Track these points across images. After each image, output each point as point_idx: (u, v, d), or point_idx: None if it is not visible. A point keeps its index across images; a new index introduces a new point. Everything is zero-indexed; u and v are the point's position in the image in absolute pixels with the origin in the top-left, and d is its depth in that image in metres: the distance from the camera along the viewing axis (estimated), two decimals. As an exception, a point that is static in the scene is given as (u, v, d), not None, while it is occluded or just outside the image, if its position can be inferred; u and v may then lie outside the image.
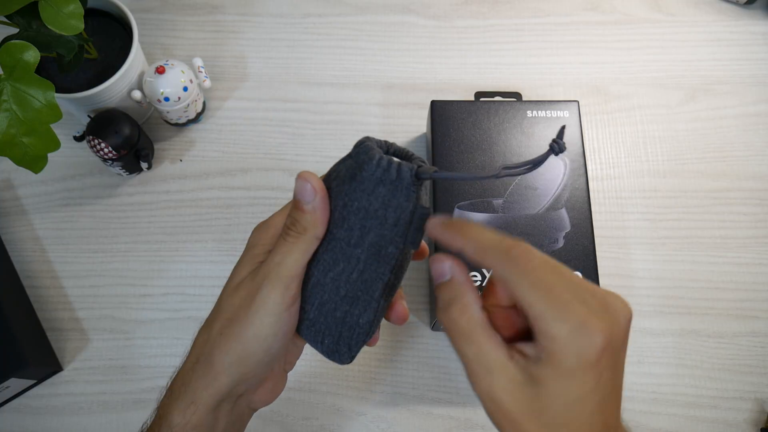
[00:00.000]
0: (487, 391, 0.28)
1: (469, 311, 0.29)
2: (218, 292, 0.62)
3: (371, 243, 0.32)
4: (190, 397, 0.33)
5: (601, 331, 0.27)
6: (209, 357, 0.33)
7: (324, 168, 0.66)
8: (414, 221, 0.32)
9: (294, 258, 0.32)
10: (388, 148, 0.33)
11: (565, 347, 0.27)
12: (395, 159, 0.31)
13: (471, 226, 0.30)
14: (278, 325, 0.32)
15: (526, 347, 0.29)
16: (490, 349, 0.29)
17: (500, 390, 0.28)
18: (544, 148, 0.58)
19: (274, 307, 0.32)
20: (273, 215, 0.36)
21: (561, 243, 0.54)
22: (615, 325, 0.29)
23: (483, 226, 0.30)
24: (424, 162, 0.32)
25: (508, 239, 0.29)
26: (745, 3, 0.72)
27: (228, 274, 0.36)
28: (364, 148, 0.31)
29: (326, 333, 0.34)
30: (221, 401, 0.33)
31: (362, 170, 0.31)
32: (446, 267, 0.31)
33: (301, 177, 0.31)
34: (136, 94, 0.59)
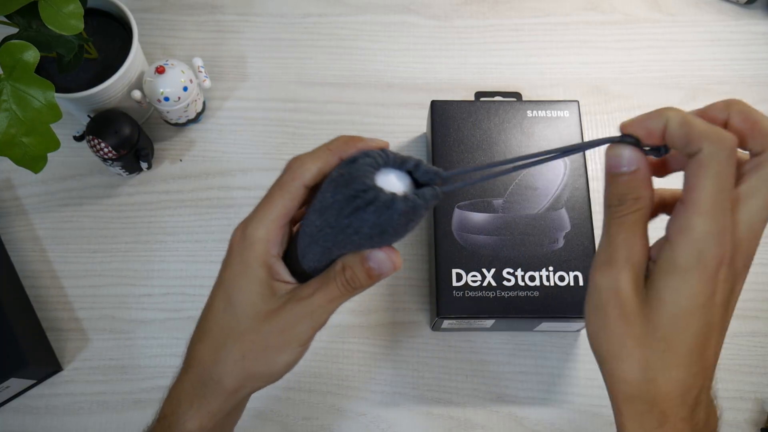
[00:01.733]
0: (615, 278, 0.29)
1: (642, 205, 0.29)
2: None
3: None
4: (206, 409, 0.34)
5: (729, 243, 0.27)
6: (227, 378, 0.34)
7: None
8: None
9: (336, 306, 0.33)
10: (387, 160, 0.31)
11: (691, 241, 0.27)
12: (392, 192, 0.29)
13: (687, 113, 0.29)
14: (306, 350, 0.34)
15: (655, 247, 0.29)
16: (638, 241, 0.29)
17: (625, 282, 0.28)
18: (544, 148, 0.58)
19: (308, 341, 0.34)
20: (254, 217, 0.34)
21: (561, 243, 0.54)
22: (742, 251, 0.29)
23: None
24: (420, 162, 0.31)
25: (721, 129, 0.28)
26: (746, 3, 0.72)
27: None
28: (359, 183, 0.29)
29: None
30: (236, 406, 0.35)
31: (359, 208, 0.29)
32: (634, 157, 0.29)
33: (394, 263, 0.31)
34: (136, 94, 0.59)
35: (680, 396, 0.29)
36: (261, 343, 0.33)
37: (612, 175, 0.30)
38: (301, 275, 0.34)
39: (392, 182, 0.30)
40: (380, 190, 0.29)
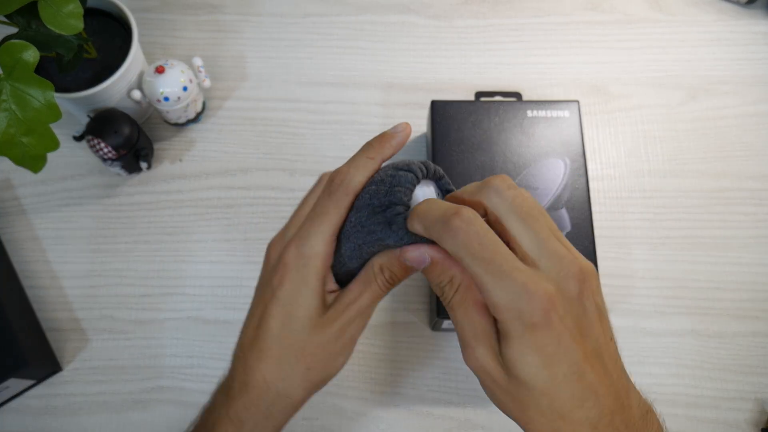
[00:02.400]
0: (475, 358, 0.29)
1: (458, 283, 0.30)
2: (218, 291, 0.62)
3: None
4: (271, 424, 0.36)
5: (544, 291, 0.26)
6: (295, 391, 0.36)
7: (323, 168, 0.66)
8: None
9: (378, 302, 0.36)
10: (427, 171, 0.34)
11: (508, 313, 0.27)
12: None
13: (423, 203, 0.31)
14: (355, 345, 0.37)
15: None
16: (476, 316, 0.29)
17: (484, 357, 0.29)
18: (545, 148, 0.58)
19: (358, 339, 0.36)
20: (288, 229, 0.37)
21: (561, 243, 0.54)
22: (564, 281, 0.27)
23: (437, 200, 0.31)
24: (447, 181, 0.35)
25: (452, 208, 0.29)
26: (746, 3, 0.72)
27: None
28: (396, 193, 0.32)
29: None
30: None
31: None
32: (422, 252, 0.31)
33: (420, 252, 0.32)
34: (136, 94, 0.59)
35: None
36: (322, 353, 0.35)
37: (423, 271, 0.32)
38: (341, 277, 0.36)
39: (429, 194, 0.33)
40: (408, 210, 0.32)
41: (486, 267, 0.27)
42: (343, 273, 0.36)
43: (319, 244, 0.34)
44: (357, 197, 0.34)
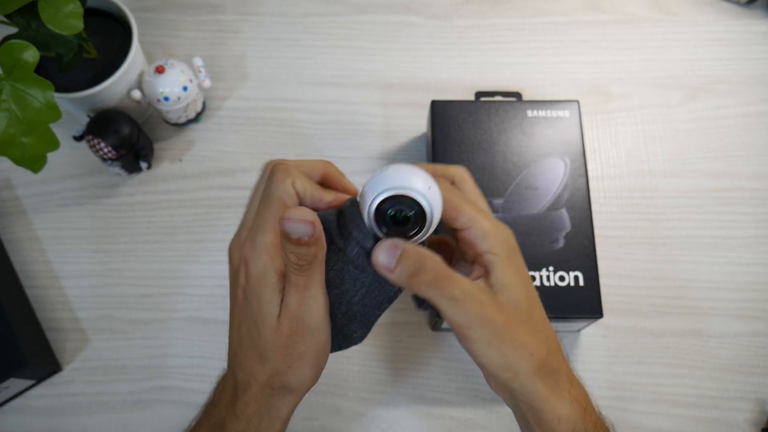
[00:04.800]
0: (480, 316, 0.32)
1: (435, 265, 0.32)
2: (218, 291, 0.62)
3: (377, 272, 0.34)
4: (276, 415, 0.37)
5: (513, 239, 0.36)
6: (303, 381, 0.37)
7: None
8: None
9: (319, 298, 0.35)
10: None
11: (496, 236, 0.34)
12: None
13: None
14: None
15: (467, 267, 0.35)
16: (465, 282, 0.33)
17: (488, 308, 0.33)
18: (545, 148, 0.58)
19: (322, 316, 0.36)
20: (242, 229, 0.37)
21: (561, 243, 0.54)
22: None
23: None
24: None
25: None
26: (746, 2, 0.72)
27: (228, 274, 0.37)
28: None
29: None
30: None
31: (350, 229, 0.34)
32: (390, 252, 0.32)
33: (290, 219, 0.31)
34: (136, 94, 0.59)
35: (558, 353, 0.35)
36: (322, 343, 0.36)
37: (400, 260, 0.32)
38: None
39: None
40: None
41: (473, 207, 0.35)
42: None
43: (269, 236, 0.34)
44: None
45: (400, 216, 0.32)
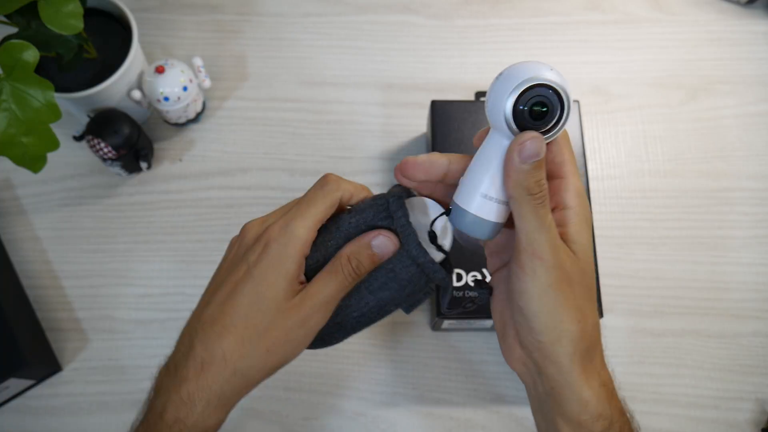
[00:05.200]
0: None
1: (546, 183, 0.32)
2: (218, 292, 0.60)
3: (382, 298, 0.36)
4: (223, 406, 0.35)
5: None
6: (253, 372, 0.35)
7: (323, 168, 0.66)
8: (422, 299, 0.37)
9: (343, 294, 0.36)
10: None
11: (583, 198, 0.34)
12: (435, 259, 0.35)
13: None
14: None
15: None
16: (553, 217, 0.32)
17: (563, 253, 0.32)
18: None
19: (317, 331, 0.36)
20: (272, 215, 0.38)
21: (561, 243, 0.54)
22: None
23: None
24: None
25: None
26: (746, 2, 0.72)
27: (229, 249, 0.38)
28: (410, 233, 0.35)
29: None
30: None
31: (407, 247, 0.35)
32: (537, 144, 0.31)
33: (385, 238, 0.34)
34: (136, 94, 0.59)
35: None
36: (283, 338, 0.35)
37: (535, 162, 0.31)
38: (310, 275, 0.36)
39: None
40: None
41: (573, 161, 0.34)
42: (313, 270, 0.36)
43: (304, 228, 0.34)
44: (351, 207, 0.37)
45: (540, 110, 0.31)
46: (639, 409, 0.56)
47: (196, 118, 0.65)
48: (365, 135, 0.66)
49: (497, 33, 0.71)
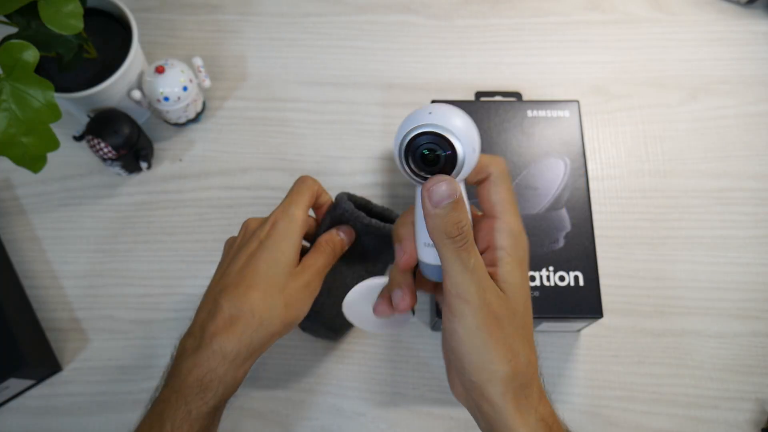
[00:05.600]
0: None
1: (468, 224, 0.32)
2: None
3: (366, 259, 0.53)
4: (253, 355, 0.42)
5: (527, 238, 0.37)
6: (276, 322, 0.42)
7: (323, 168, 0.66)
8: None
9: (330, 266, 0.48)
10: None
11: (518, 239, 0.35)
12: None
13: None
14: None
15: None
16: (480, 258, 0.34)
17: (491, 293, 0.34)
18: (544, 148, 0.58)
19: (315, 295, 0.46)
20: (292, 202, 0.46)
21: (561, 243, 0.54)
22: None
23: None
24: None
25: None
26: (746, 2, 0.72)
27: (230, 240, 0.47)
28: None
29: None
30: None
31: (359, 221, 0.49)
32: (451, 189, 0.31)
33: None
34: (136, 94, 0.59)
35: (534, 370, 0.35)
36: (295, 295, 0.43)
37: (448, 204, 0.31)
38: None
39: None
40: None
41: (511, 200, 0.36)
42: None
43: (301, 211, 0.45)
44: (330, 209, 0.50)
45: (432, 155, 0.31)
46: (639, 409, 0.56)
47: (196, 118, 0.65)
48: (365, 135, 0.66)
49: (497, 33, 0.71)
